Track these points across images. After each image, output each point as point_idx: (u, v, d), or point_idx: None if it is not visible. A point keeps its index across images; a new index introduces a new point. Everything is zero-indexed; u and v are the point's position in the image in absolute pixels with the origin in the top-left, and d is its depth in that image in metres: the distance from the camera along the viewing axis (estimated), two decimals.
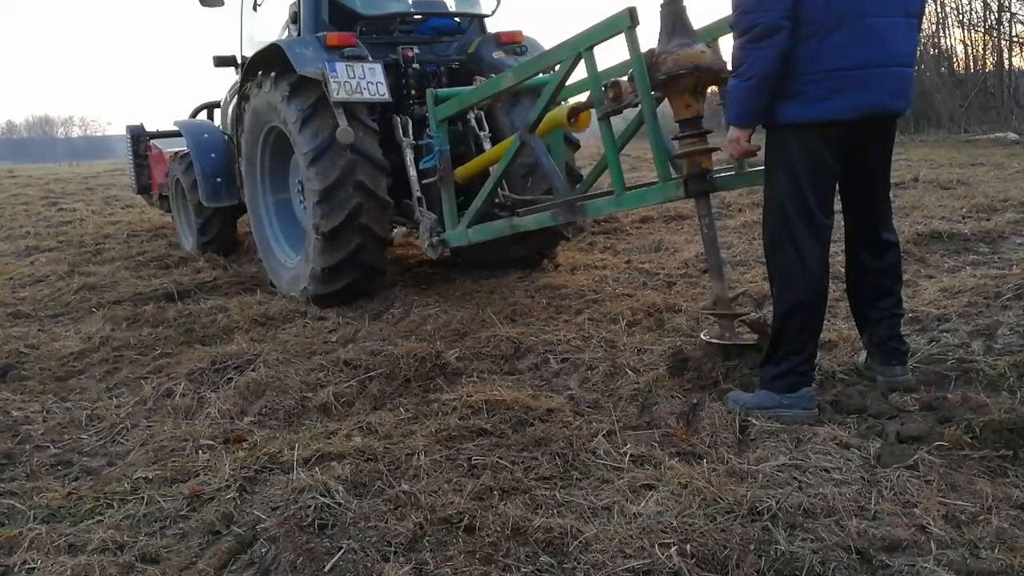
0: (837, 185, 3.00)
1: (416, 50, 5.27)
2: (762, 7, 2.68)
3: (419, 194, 4.77)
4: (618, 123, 3.65)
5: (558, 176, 4.00)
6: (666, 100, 3.37)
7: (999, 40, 16.35)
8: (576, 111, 4.05)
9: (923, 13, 2.85)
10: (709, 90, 3.41)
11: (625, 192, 3.56)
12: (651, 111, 3.29)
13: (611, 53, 3.57)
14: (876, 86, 2.72)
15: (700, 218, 3.32)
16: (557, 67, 3.82)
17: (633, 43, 3.23)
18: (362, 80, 4.57)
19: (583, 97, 4.15)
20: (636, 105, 3.37)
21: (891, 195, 3.15)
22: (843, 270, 3.19)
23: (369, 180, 4.64)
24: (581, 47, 3.51)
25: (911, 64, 2.81)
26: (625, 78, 3.41)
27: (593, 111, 3.72)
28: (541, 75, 4.30)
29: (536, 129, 3.97)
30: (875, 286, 3.10)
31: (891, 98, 2.77)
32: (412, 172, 4.81)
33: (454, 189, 4.60)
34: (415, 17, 5.54)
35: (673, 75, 3.11)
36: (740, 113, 2.84)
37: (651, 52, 3.21)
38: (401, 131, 4.89)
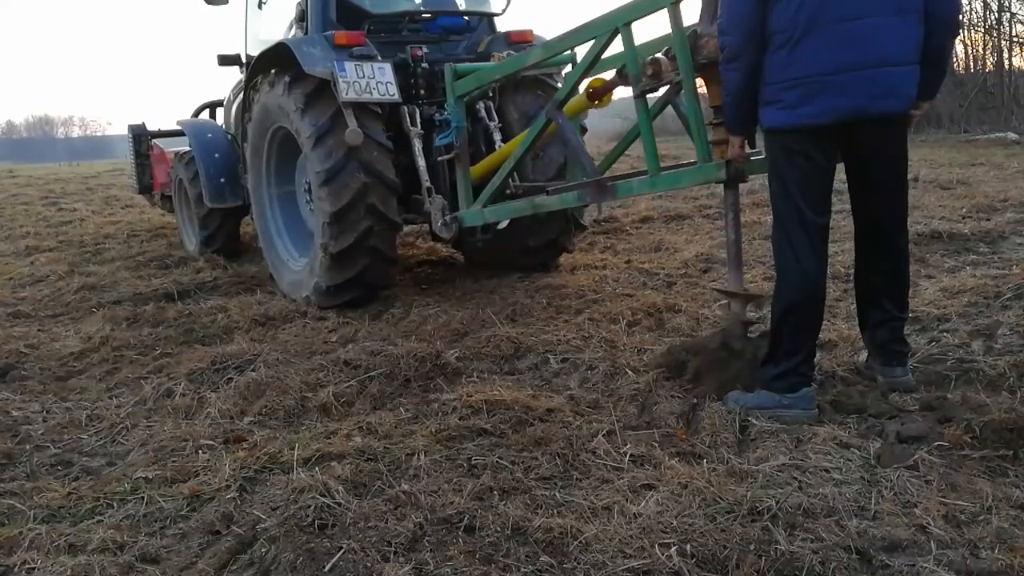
0: (846, 184, 3.01)
1: (425, 49, 5.17)
2: (727, 31, 2.82)
3: (428, 184, 4.73)
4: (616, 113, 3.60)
5: (586, 155, 3.92)
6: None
7: (999, 40, 16.37)
8: (602, 91, 3.95)
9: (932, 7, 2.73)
10: None
11: (660, 172, 3.45)
12: (692, 88, 3.19)
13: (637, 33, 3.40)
14: (854, 89, 2.69)
15: (726, 206, 3.25)
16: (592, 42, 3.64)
17: (676, 19, 3.14)
18: (371, 80, 4.51)
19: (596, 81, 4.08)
20: (676, 82, 3.28)
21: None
22: (843, 270, 3.19)
23: (381, 203, 4.60)
24: (619, 22, 3.38)
25: (904, 62, 2.72)
26: (661, 55, 3.31)
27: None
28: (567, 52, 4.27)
29: (564, 107, 3.88)
30: (879, 288, 3.09)
31: (874, 100, 2.71)
32: (421, 163, 4.77)
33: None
34: (424, 15, 5.48)
35: (714, 60, 3.04)
36: (730, 122, 3.01)
37: (693, 33, 3.14)
38: (409, 121, 4.83)
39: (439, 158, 4.74)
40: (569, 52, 4.43)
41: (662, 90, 3.66)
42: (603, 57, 3.73)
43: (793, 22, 2.69)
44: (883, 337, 3.11)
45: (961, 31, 16.61)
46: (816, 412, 2.90)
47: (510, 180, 4.61)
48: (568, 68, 4.85)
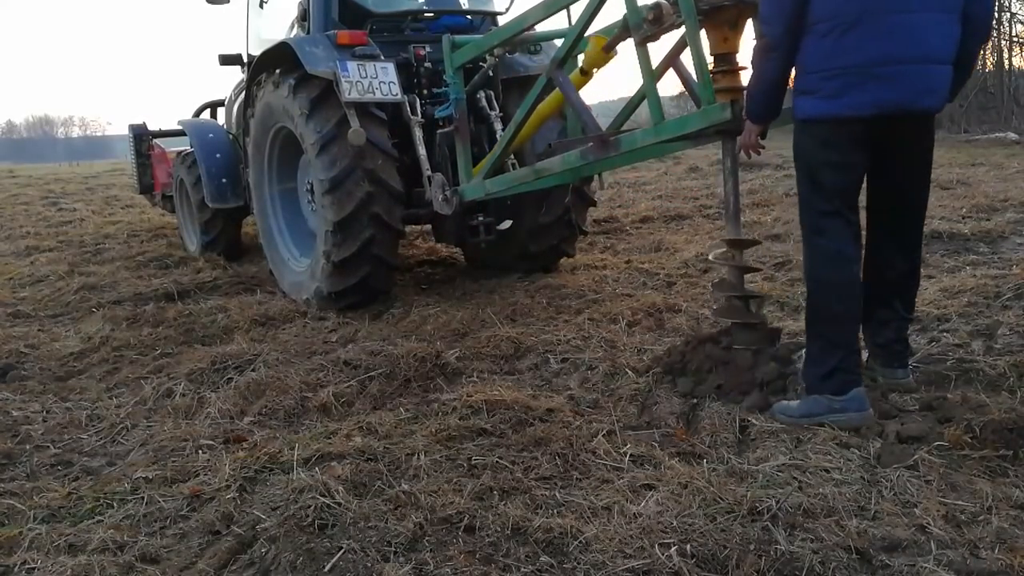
0: (865, 180, 2.97)
1: (428, 48, 5.15)
2: (768, 20, 2.76)
3: (428, 173, 4.71)
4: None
5: (588, 113, 3.87)
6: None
7: (999, 40, 16.37)
8: (614, 42, 3.82)
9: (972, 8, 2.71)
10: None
11: (664, 120, 3.37)
12: (695, 32, 3.10)
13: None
14: (900, 83, 2.65)
15: (724, 156, 3.20)
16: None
17: None
18: (374, 80, 4.48)
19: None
20: (679, 26, 3.20)
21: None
22: None
23: (384, 212, 4.58)
24: None
25: (945, 61, 2.71)
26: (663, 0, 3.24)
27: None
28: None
29: (564, 66, 3.83)
30: (893, 285, 3.05)
31: (917, 96, 2.68)
32: (421, 151, 4.75)
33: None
34: (427, 14, 5.45)
35: (715, 6, 3.00)
36: (753, 111, 2.93)
37: None
38: (409, 110, 4.79)
39: (438, 130, 4.71)
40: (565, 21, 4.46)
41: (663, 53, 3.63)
42: (601, 30, 3.73)
43: (839, 11, 2.64)
44: (887, 336, 3.09)
45: None
46: (871, 413, 2.79)
47: (511, 169, 4.58)
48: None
